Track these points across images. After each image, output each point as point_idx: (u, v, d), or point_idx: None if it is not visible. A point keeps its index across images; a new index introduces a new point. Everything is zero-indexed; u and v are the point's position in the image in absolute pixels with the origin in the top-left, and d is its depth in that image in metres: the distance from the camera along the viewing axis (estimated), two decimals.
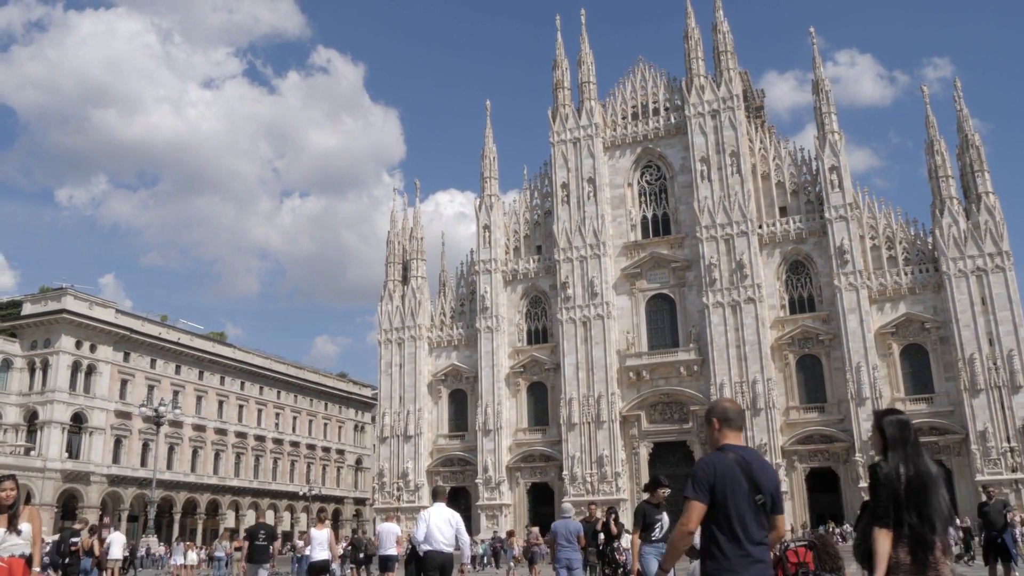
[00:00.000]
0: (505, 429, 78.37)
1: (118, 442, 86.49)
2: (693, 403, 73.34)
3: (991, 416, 64.31)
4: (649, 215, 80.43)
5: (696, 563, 15.74)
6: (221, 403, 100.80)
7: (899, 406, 67.99)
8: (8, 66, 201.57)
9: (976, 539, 30.60)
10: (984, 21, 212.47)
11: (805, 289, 73.85)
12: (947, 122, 75.57)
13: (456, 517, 14.31)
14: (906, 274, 70.49)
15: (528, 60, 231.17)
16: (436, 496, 15.03)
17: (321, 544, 19.30)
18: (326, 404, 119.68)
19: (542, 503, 76.16)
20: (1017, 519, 57.89)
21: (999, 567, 17.85)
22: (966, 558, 38.05)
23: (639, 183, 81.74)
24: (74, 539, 22.59)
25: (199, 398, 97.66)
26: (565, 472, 74.32)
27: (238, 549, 33.77)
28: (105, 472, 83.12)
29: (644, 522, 14.33)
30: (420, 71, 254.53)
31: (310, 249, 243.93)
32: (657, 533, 14.24)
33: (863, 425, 66.74)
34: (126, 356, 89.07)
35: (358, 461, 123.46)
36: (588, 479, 73.46)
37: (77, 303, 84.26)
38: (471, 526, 75.94)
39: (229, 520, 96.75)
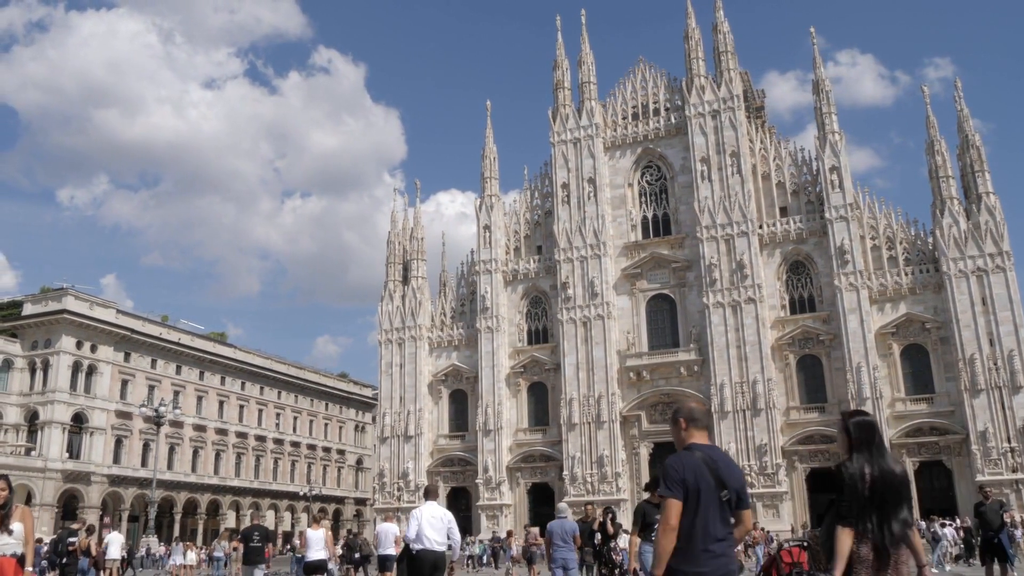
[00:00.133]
0: (505, 429, 78.37)
1: (119, 442, 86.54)
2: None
3: (992, 416, 64.26)
4: (649, 215, 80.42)
5: None
6: (222, 403, 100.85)
7: (899, 406, 68.14)
8: (9, 66, 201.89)
9: (975, 539, 30.60)
10: (985, 21, 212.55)
11: (805, 289, 73.82)
12: (948, 122, 75.64)
13: (448, 516, 14.36)
14: (906, 274, 70.45)
15: (528, 60, 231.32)
16: (428, 495, 15.13)
17: (317, 544, 19.34)
18: (327, 404, 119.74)
19: (542, 503, 76.11)
20: (1019, 519, 57.93)
21: (996, 567, 17.84)
22: (965, 558, 38.00)
23: (639, 183, 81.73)
24: (71, 539, 22.62)
25: (200, 398, 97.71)
26: (565, 472, 74.32)
27: (236, 549, 33.76)
28: (106, 472, 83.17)
29: (644, 521, 14.30)
30: (421, 71, 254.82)
31: (311, 249, 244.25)
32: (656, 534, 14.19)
33: None
34: (127, 356, 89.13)
35: (359, 461, 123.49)
36: (588, 479, 73.46)
37: (78, 303, 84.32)
38: (472, 526, 76.08)
39: (230, 520, 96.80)
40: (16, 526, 9.40)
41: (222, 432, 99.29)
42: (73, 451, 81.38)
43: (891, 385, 68.82)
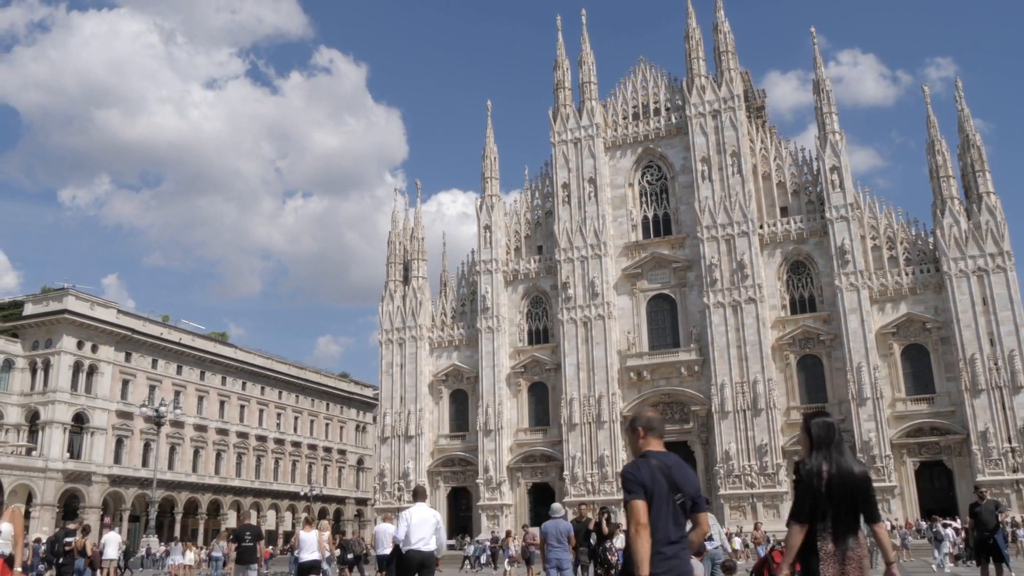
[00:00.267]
0: (506, 429, 78.39)
1: (119, 442, 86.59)
2: (694, 403, 73.29)
3: (992, 416, 64.23)
4: (650, 215, 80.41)
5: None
6: (223, 403, 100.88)
7: (900, 406, 68.12)
8: (11, 67, 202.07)
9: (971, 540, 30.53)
10: (987, 21, 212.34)
11: (806, 289, 73.79)
12: (949, 122, 75.61)
13: (437, 517, 14.50)
14: (907, 274, 70.42)
15: (529, 60, 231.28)
16: (417, 496, 15.21)
17: (310, 545, 19.38)
18: (327, 404, 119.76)
19: (543, 503, 75.89)
20: (1020, 519, 57.85)
21: (991, 568, 17.81)
22: (965, 558, 37.94)
23: (640, 183, 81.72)
24: (68, 539, 22.64)
25: (200, 398, 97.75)
26: (566, 472, 74.33)
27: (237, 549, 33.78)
28: (106, 472, 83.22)
29: None
30: (422, 71, 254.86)
31: (313, 249, 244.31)
32: None
33: (864, 425, 66.76)
34: (127, 356, 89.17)
35: (359, 461, 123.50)
36: (589, 479, 73.46)
37: (78, 303, 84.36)
38: (472, 526, 76.14)
39: (231, 520, 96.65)
40: (5, 526, 9.39)
41: (223, 432, 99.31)
42: (74, 451, 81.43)
43: (892, 385, 68.78)
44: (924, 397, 68.28)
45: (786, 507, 67.59)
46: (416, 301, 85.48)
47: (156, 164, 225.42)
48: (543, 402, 79.82)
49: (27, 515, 74.66)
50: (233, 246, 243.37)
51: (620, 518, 58.75)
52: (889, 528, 54.80)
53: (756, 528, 48.85)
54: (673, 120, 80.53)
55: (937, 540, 36.61)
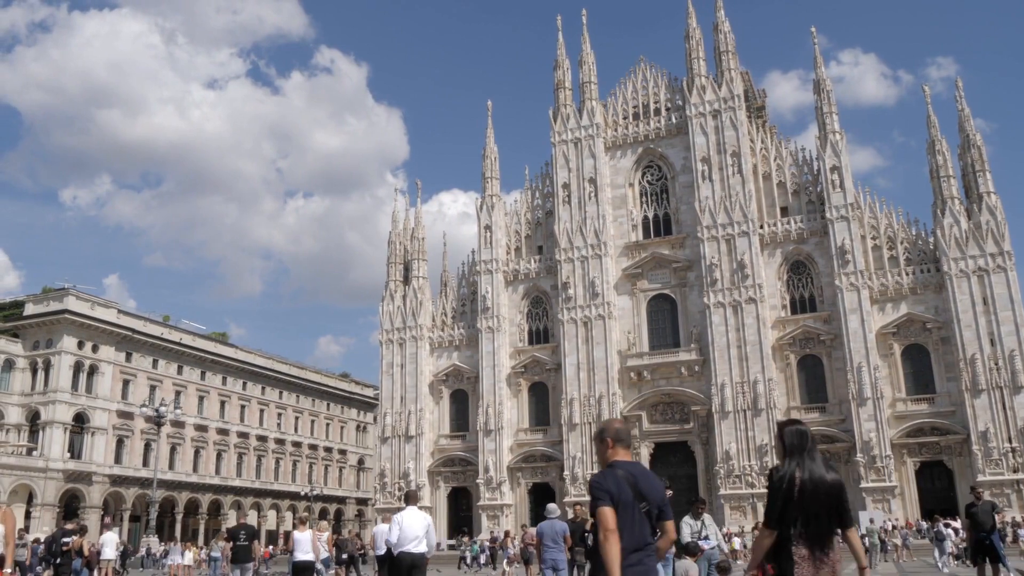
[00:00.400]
0: (506, 429, 78.38)
1: (120, 442, 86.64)
2: (694, 403, 73.25)
3: (992, 416, 64.17)
4: (650, 215, 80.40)
5: (682, 561, 15.69)
6: (223, 403, 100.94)
7: (900, 406, 68.05)
8: (12, 67, 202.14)
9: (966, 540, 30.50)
10: (988, 20, 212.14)
11: (806, 289, 73.75)
12: (950, 122, 75.51)
13: (427, 520, 14.68)
14: (907, 274, 70.37)
15: (529, 60, 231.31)
16: (408, 500, 15.39)
17: (303, 545, 19.40)
18: (328, 404, 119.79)
19: (543, 503, 75.72)
20: (1020, 519, 57.80)
21: (988, 568, 17.79)
22: (964, 558, 37.91)
23: (640, 183, 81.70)
24: (65, 539, 22.66)
25: (201, 398, 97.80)
26: (566, 472, 74.32)
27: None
28: (107, 472, 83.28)
29: None
30: (423, 71, 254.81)
31: (314, 249, 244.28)
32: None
33: (864, 425, 66.71)
34: (128, 356, 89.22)
35: (360, 461, 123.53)
36: (589, 479, 73.24)
37: (79, 303, 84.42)
38: (473, 526, 76.12)
39: (231, 520, 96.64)
40: None
41: (223, 432, 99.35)
42: (74, 451, 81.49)
43: (892, 385, 68.72)
44: (924, 397, 68.23)
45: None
46: (416, 301, 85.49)
47: (157, 164, 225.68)
48: (543, 402, 79.80)
49: (27, 515, 74.79)
50: (234, 246, 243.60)
51: None
52: (890, 528, 54.81)
53: (757, 528, 48.78)
54: (673, 120, 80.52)
55: (939, 540, 36.61)
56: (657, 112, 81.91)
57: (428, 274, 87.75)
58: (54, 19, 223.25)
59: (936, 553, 36.62)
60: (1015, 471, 62.99)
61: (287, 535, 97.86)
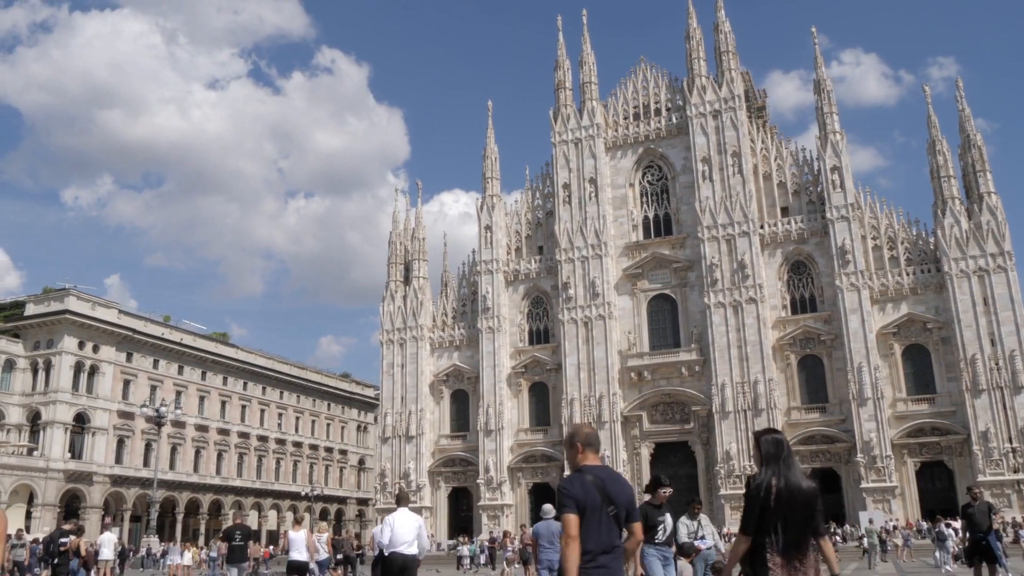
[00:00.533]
0: (507, 429, 78.39)
1: (121, 442, 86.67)
2: (695, 403, 73.23)
3: (993, 416, 64.15)
4: (651, 215, 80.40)
5: (679, 562, 15.67)
6: (224, 403, 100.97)
7: (901, 406, 68.01)
8: (13, 67, 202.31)
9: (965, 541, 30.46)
10: (990, 20, 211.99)
11: (807, 289, 73.74)
12: (952, 122, 75.50)
13: (419, 521, 14.72)
14: (908, 274, 70.35)
15: (530, 61, 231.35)
16: (400, 501, 15.44)
17: (299, 545, 19.44)
18: (329, 404, 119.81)
19: (544, 503, 76.01)
20: (1021, 519, 57.74)
21: (984, 569, 17.75)
22: (963, 559, 37.86)
23: (641, 183, 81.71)
24: (63, 539, 22.68)
25: (202, 398, 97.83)
26: (567, 472, 74.02)
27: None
28: (108, 472, 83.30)
29: (647, 523, 14.04)
30: (424, 71, 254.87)
31: (315, 249, 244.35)
32: (660, 536, 13.98)
33: (865, 425, 66.70)
34: (129, 356, 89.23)
35: (361, 461, 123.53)
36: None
37: (80, 304, 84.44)
38: (473, 526, 76.12)
39: (232, 520, 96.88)
40: None
41: (224, 432, 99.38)
42: (75, 451, 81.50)
43: (892, 385, 68.70)
44: (925, 397, 68.21)
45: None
46: (417, 301, 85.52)
47: (158, 164, 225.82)
48: (544, 402, 79.81)
49: (28, 515, 74.81)
50: (235, 246, 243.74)
51: None
52: (891, 528, 54.75)
53: None
54: (674, 120, 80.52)
55: (940, 540, 36.60)
56: (657, 112, 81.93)
57: (429, 274, 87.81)
58: (55, 19, 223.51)
59: (938, 554, 36.57)
60: (1015, 471, 62.96)
61: (287, 535, 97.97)
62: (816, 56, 77.16)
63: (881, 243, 72.46)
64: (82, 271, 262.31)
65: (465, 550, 55.37)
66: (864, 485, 65.79)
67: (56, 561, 22.17)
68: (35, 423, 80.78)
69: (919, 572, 36.60)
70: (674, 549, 14.98)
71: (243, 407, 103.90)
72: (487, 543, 58.82)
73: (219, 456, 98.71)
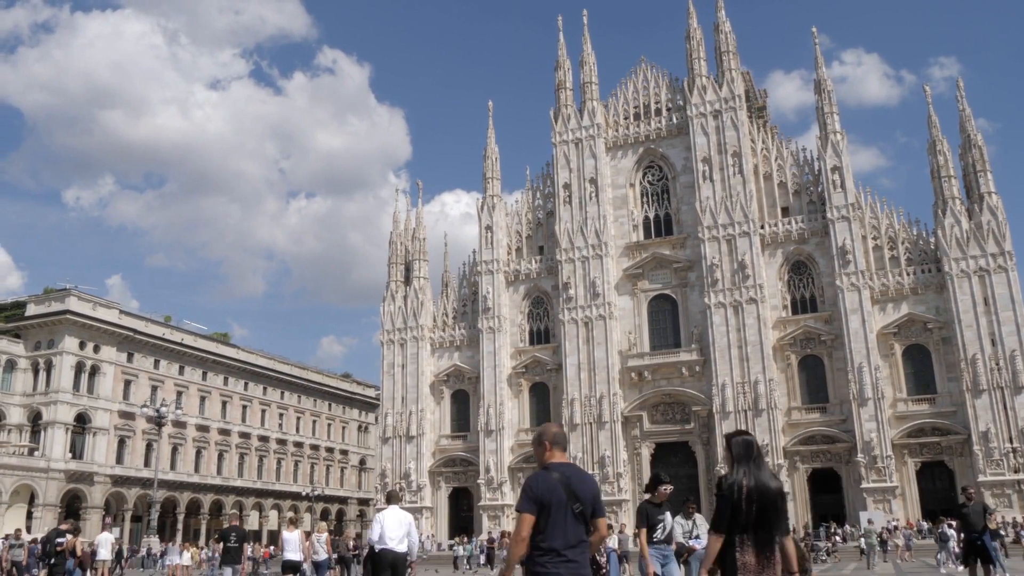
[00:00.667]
0: (507, 429, 78.37)
1: (121, 442, 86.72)
2: (695, 403, 73.19)
3: (993, 417, 64.08)
4: (651, 215, 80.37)
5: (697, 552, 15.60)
6: (225, 403, 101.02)
7: (901, 406, 67.93)
8: (15, 68, 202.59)
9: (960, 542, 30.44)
10: (991, 20, 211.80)
11: (807, 289, 73.68)
12: (953, 122, 75.35)
13: (408, 519, 14.81)
14: (908, 274, 70.29)
15: (531, 61, 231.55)
16: (390, 500, 15.53)
17: (292, 546, 19.48)
18: (330, 404, 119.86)
19: None
20: (1021, 520, 57.64)
21: (979, 570, 17.74)
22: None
23: (641, 183, 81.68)
24: (59, 539, 22.70)
25: (203, 399, 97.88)
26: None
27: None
28: (108, 472, 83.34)
29: (647, 522, 13.95)
30: (425, 71, 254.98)
31: (316, 249, 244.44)
32: (659, 534, 13.92)
33: (865, 426, 66.64)
34: (129, 357, 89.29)
35: (362, 461, 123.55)
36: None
37: (81, 304, 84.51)
38: (473, 526, 76.12)
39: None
40: None
41: (225, 432, 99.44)
42: (76, 451, 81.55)
43: (893, 385, 68.64)
44: (925, 397, 68.13)
45: (787, 507, 67.49)
46: (417, 301, 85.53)
47: (160, 165, 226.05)
48: (544, 402, 79.78)
49: (29, 515, 74.90)
50: (236, 247, 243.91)
51: (625, 519, 58.68)
52: (892, 528, 54.75)
53: None
54: (674, 120, 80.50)
55: (943, 540, 36.64)
56: (658, 112, 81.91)
57: (429, 274, 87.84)
58: (57, 20, 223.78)
59: (941, 555, 36.60)
60: (1016, 471, 62.88)
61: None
62: (816, 56, 77.12)
63: (882, 243, 72.41)
64: (84, 271, 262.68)
65: (461, 550, 55.36)
66: (864, 485, 65.72)
67: (52, 561, 22.19)
68: (36, 423, 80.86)
69: (918, 572, 36.58)
70: (674, 547, 14.91)
71: (244, 407, 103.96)
72: (486, 543, 58.84)
73: (220, 456, 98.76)
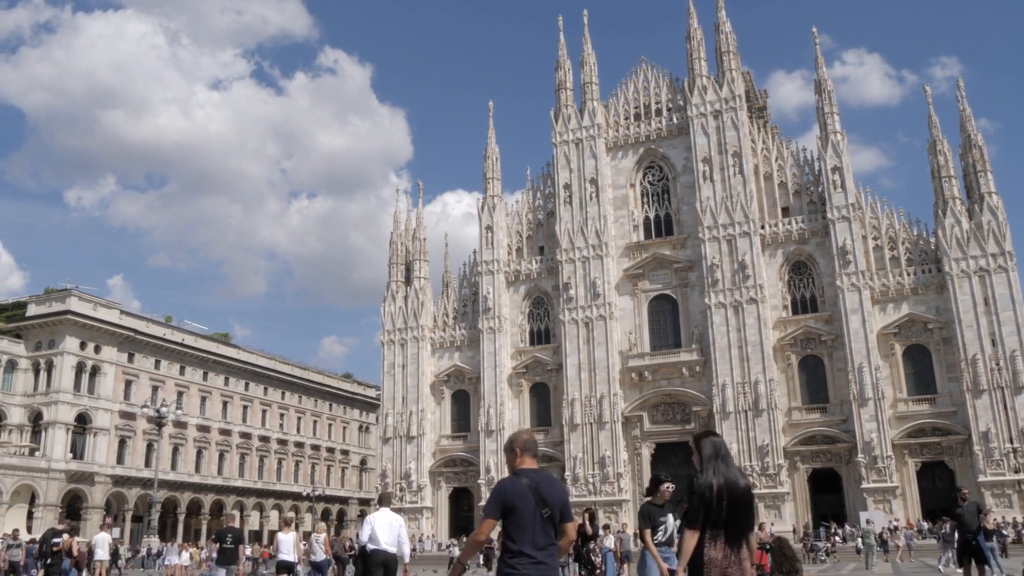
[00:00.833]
0: (508, 430, 78.18)
1: (122, 443, 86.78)
2: (695, 404, 73.19)
3: (994, 417, 64.04)
4: (651, 215, 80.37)
5: None
6: (225, 404, 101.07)
7: (902, 407, 67.90)
8: (16, 68, 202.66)
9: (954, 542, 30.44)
10: (992, 20, 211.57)
11: (807, 289, 73.67)
12: (955, 122, 75.28)
13: (399, 520, 14.94)
14: (909, 274, 70.25)
15: (531, 61, 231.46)
16: (382, 501, 15.69)
17: (287, 546, 19.55)
18: (331, 405, 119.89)
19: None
20: (1021, 520, 57.57)
21: (974, 570, 17.74)
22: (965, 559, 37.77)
23: (641, 183, 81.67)
24: (56, 540, 22.72)
25: (203, 399, 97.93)
26: (568, 473, 74.20)
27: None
28: (109, 472, 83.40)
29: (649, 523, 13.87)
30: (426, 72, 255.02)
31: (318, 250, 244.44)
32: (660, 536, 13.88)
33: (866, 426, 66.61)
34: (130, 357, 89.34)
35: (363, 462, 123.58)
36: (590, 480, 73.41)
37: (81, 304, 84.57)
38: (473, 527, 76.03)
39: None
40: None
41: (226, 432, 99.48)
42: (77, 451, 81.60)
43: (893, 385, 68.60)
44: (926, 397, 68.09)
45: (787, 508, 67.65)
46: (418, 302, 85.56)
47: (161, 165, 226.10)
48: (545, 402, 79.81)
49: (30, 515, 74.97)
50: (238, 247, 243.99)
51: (626, 518, 58.68)
52: (892, 529, 54.69)
53: (761, 528, 48.61)
54: (674, 120, 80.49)
55: (946, 541, 36.73)
56: (658, 112, 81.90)
57: (430, 275, 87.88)
58: (58, 20, 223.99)
59: (946, 555, 36.65)
60: (1016, 471, 62.83)
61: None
62: (817, 56, 77.09)
63: (882, 243, 72.38)
64: (85, 271, 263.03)
65: (457, 551, 55.35)
66: (865, 485, 65.69)
67: (49, 561, 22.21)
68: (37, 423, 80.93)
69: (917, 572, 36.57)
70: (675, 549, 14.82)
71: (245, 407, 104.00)
72: (485, 544, 58.80)
73: (221, 456, 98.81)
